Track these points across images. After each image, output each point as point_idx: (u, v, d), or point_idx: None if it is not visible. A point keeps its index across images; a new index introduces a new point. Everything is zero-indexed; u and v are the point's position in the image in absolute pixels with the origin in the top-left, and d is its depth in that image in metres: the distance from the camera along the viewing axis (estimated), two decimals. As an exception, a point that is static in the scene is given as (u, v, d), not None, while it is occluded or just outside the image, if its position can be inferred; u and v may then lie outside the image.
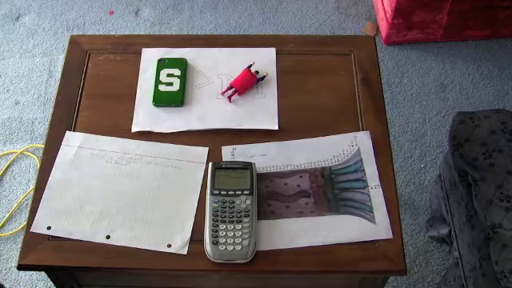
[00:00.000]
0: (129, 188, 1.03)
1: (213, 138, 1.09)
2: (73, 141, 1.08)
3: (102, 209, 1.00)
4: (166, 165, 1.05)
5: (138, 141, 1.07)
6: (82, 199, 1.01)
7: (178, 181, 1.03)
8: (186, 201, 1.01)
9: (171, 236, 0.98)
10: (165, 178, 1.03)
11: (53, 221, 0.99)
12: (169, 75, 1.16)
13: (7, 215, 1.78)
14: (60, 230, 0.98)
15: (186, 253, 0.95)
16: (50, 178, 1.04)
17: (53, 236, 0.98)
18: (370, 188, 1.02)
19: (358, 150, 1.06)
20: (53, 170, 1.04)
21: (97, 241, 0.97)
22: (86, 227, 0.98)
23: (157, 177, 1.04)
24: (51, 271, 1.02)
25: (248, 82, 1.14)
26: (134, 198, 1.01)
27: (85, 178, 1.04)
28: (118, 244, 0.97)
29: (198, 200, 1.01)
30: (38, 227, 0.98)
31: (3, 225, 1.78)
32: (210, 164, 1.02)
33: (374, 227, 0.98)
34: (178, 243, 0.97)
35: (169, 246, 0.97)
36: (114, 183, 1.03)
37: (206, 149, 1.06)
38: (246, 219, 0.96)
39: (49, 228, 0.98)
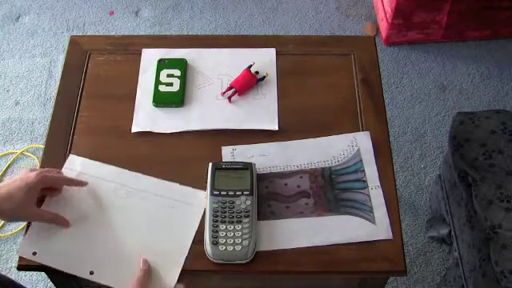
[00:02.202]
0: (120, 224, 0.99)
1: (213, 138, 1.09)
2: (75, 165, 1.05)
3: (90, 242, 0.97)
4: (164, 204, 1.01)
5: (139, 174, 1.04)
6: (72, 228, 0.98)
7: (172, 223, 0.99)
8: (176, 245, 0.97)
9: (155, 281, 0.94)
10: (159, 219, 1.00)
11: (40, 247, 0.96)
12: (169, 75, 1.16)
13: (7, 215, 1.78)
14: (45, 258, 0.95)
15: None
16: (45, 201, 1.00)
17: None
18: (370, 188, 1.02)
19: (358, 150, 1.06)
20: (45, 203, 1.00)
21: (80, 275, 0.94)
22: (71, 259, 0.95)
23: (151, 216, 1.00)
24: (51, 271, 1.02)
25: (248, 83, 1.14)
26: (124, 236, 0.98)
27: (80, 206, 1.00)
28: (101, 282, 0.94)
29: (189, 246, 0.96)
30: (24, 252, 0.96)
31: (3, 225, 1.78)
32: (210, 164, 1.02)
33: (374, 228, 0.98)
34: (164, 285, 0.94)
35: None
36: (106, 216, 1.00)
37: (203, 193, 1.01)
38: (246, 219, 0.96)
39: (34, 253, 0.96)
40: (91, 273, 0.93)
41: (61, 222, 0.97)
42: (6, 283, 1.11)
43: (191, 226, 0.98)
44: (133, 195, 1.02)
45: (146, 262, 0.93)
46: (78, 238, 0.97)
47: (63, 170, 1.04)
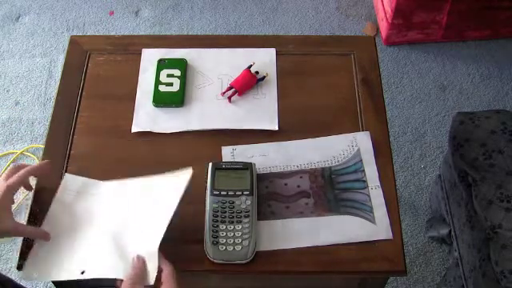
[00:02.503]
0: (102, 222, 0.98)
1: (213, 138, 1.09)
2: (71, 186, 1.02)
3: (75, 245, 0.96)
4: (147, 195, 0.98)
5: (134, 180, 1.00)
6: (67, 239, 0.96)
7: (152, 203, 0.96)
8: (155, 218, 0.93)
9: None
10: (139, 205, 0.98)
11: (39, 269, 0.95)
12: (169, 75, 1.16)
13: (7, 215, 1.78)
14: (44, 275, 0.95)
15: (152, 283, 0.88)
16: (43, 224, 0.98)
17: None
18: (369, 188, 1.02)
19: (358, 150, 1.06)
20: (45, 220, 0.98)
21: (73, 278, 0.92)
22: (60, 266, 0.94)
23: (131, 205, 0.98)
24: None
25: (248, 83, 1.14)
26: (107, 229, 0.96)
27: (76, 225, 0.98)
28: (95, 277, 0.92)
29: (170, 218, 0.91)
30: (28, 277, 0.95)
31: (3, 225, 1.77)
32: (210, 164, 1.02)
33: (374, 227, 0.98)
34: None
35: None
36: (89, 221, 0.98)
37: (189, 172, 0.94)
38: (246, 220, 0.96)
39: (36, 276, 0.96)
40: (82, 272, 0.92)
41: (42, 236, 0.96)
42: (5, 283, 1.11)
43: (173, 197, 0.93)
44: (119, 200, 1.00)
45: (139, 259, 0.90)
46: (62, 246, 0.96)
47: (58, 191, 1.01)
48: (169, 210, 0.91)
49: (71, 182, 1.03)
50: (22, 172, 0.96)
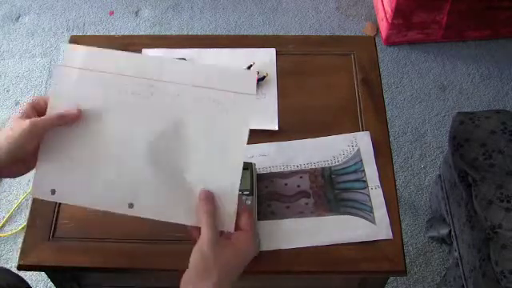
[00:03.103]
0: (152, 135, 0.76)
1: (213, 139, 1.09)
2: (73, 59, 0.78)
3: (121, 167, 0.76)
4: (202, 97, 0.75)
5: (162, 58, 0.78)
6: (91, 151, 0.77)
7: (218, 123, 0.76)
8: (228, 152, 0.76)
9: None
10: (201, 119, 0.76)
11: (57, 182, 0.78)
12: (169, 75, 1.15)
13: (7, 215, 1.78)
14: (67, 195, 0.79)
15: (232, 230, 0.78)
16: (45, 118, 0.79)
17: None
18: (370, 188, 1.02)
19: (358, 150, 1.06)
20: (48, 108, 0.78)
21: (117, 211, 0.78)
22: (101, 192, 0.77)
23: (190, 117, 0.76)
24: (51, 271, 1.02)
25: (248, 83, 1.14)
26: (161, 152, 0.76)
27: (92, 119, 0.77)
28: (143, 216, 0.77)
29: (243, 151, 0.77)
30: (40, 191, 0.79)
31: (3, 225, 1.78)
32: (210, 164, 1.02)
33: (374, 227, 0.98)
34: (223, 216, 0.77)
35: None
36: (132, 127, 0.76)
37: (254, 73, 0.79)
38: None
39: (53, 192, 0.79)
40: (130, 205, 0.76)
41: (70, 118, 0.77)
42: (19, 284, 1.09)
43: (241, 124, 0.76)
44: (160, 90, 0.75)
45: (208, 198, 0.75)
46: (103, 163, 0.77)
47: (57, 70, 0.79)
48: (241, 127, 0.74)
49: (71, 54, 0.78)
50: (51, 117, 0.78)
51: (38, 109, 0.79)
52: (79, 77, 0.77)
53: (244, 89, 0.76)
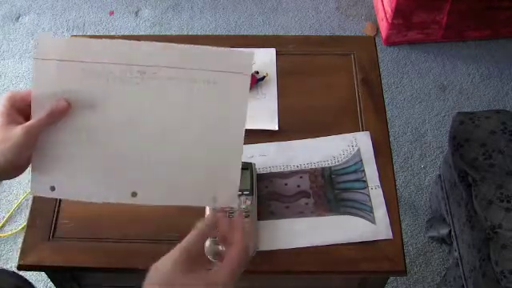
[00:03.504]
0: (146, 121, 0.74)
1: (213, 139, 1.09)
2: (51, 51, 0.72)
3: (118, 156, 0.74)
4: (196, 79, 0.73)
5: (150, 43, 0.73)
6: (86, 143, 0.75)
7: (214, 104, 0.74)
8: (227, 132, 0.75)
9: (216, 185, 0.76)
10: (196, 101, 0.73)
11: (55, 178, 0.75)
12: (169, 75, 1.15)
13: (7, 215, 1.78)
14: (67, 190, 0.76)
15: (237, 206, 0.79)
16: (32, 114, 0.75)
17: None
18: (369, 188, 1.02)
19: (358, 150, 1.06)
20: (33, 106, 0.74)
21: (120, 201, 0.76)
22: (101, 183, 0.75)
23: (184, 100, 0.73)
24: (51, 271, 1.02)
25: (248, 83, 1.14)
26: (158, 137, 0.74)
27: (83, 110, 0.74)
28: (148, 203, 0.75)
29: (243, 129, 0.75)
30: (39, 189, 0.76)
31: (3, 225, 1.78)
32: (210, 164, 1.02)
33: (374, 227, 0.98)
34: (226, 194, 0.76)
35: (214, 199, 0.76)
36: (125, 114, 0.74)
37: (252, 52, 0.74)
38: (246, 219, 0.96)
39: (53, 189, 0.76)
40: (134, 194, 0.74)
41: (60, 112, 0.74)
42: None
43: (239, 103, 0.74)
44: (151, 75, 0.73)
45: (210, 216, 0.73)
46: (100, 154, 0.75)
47: (34, 63, 0.73)
48: (239, 106, 0.73)
49: (47, 45, 0.72)
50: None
51: (17, 107, 0.75)
52: (61, 69, 0.72)
53: (239, 69, 0.73)
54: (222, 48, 0.74)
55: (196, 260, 0.71)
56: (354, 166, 1.04)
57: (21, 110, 0.75)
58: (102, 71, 0.72)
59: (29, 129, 0.73)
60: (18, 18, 2.29)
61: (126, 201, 0.74)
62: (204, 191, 0.76)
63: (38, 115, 0.74)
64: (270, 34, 2.18)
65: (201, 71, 0.73)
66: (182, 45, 0.73)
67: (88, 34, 2.21)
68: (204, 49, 0.73)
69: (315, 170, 1.05)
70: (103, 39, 0.73)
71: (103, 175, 0.76)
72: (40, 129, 0.73)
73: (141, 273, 1.00)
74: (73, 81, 0.73)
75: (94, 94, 0.73)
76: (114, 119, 0.74)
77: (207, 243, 0.77)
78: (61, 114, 0.74)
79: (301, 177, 1.04)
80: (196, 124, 0.75)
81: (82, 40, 0.76)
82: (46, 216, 1.00)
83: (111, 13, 2.29)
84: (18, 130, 0.72)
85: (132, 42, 0.72)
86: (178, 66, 0.73)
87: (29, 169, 0.79)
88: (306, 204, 1.01)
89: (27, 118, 0.75)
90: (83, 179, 0.76)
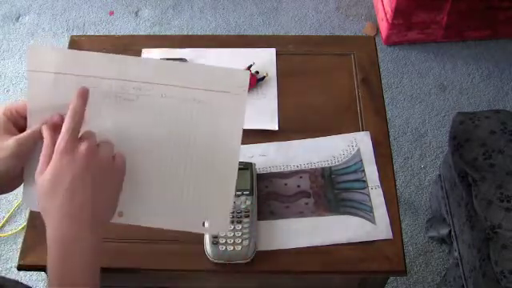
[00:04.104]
0: (138, 140, 0.73)
1: (213, 139, 1.09)
2: (46, 63, 0.71)
3: None
4: (190, 99, 0.71)
5: (144, 59, 0.74)
6: None
7: (208, 124, 0.72)
8: (221, 155, 0.73)
9: (206, 209, 0.74)
10: (189, 121, 0.72)
11: None
12: (169, 75, 1.15)
13: (7, 215, 1.78)
14: None
15: (228, 231, 0.79)
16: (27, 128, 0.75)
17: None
18: (369, 188, 1.02)
19: (358, 150, 1.06)
20: (28, 118, 0.74)
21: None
22: None
23: (177, 119, 0.72)
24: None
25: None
26: (149, 156, 0.73)
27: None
28: (135, 224, 0.74)
29: (238, 152, 0.73)
30: (30, 203, 0.76)
31: (3, 225, 1.78)
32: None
33: (374, 227, 0.98)
34: (217, 221, 0.74)
35: (204, 225, 0.75)
36: (116, 132, 0.73)
37: (247, 72, 0.73)
38: (246, 219, 0.96)
39: None
40: (120, 214, 0.73)
41: (54, 126, 0.73)
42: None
43: (234, 122, 0.72)
44: (145, 92, 0.72)
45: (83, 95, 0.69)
46: None
47: (29, 75, 0.73)
48: (233, 128, 0.71)
49: (44, 57, 0.71)
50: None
51: (13, 120, 0.75)
52: (56, 82, 0.72)
53: (234, 89, 0.72)
54: (218, 66, 0.73)
55: None
56: (354, 166, 1.04)
57: (16, 122, 0.76)
58: (98, 86, 0.72)
59: (21, 140, 0.73)
60: (18, 18, 2.29)
61: (113, 220, 0.73)
62: (194, 216, 0.74)
63: (30, 126, 0.74)
64: (270, 33, 2.18)
65: (196, 90, 0.72)
66: (179, 62, 0.72)
67: (88, 34, 2.21)
68: (200, 67, 0.72)
69: (315, 170, 1.05)
70: (99, 53, 0.72)
71: None
72: (33, 141, 0.74)
73: (140, 273, 1.00)
74: (68, 94, 0.71)
75: (89, 109, 0.71)
76: (105, 135, 0.72)
77: None
78: (54, 127, 0.73)
79: (301, 177, 1.04)
80: (189, 145, 0.73)
81: (78, 52, 0.74)
82: (45, 216, 0.99)
83: (111, 13, 2.29)
84: (11, 142, 0.73)
85: (128, 57, 0.71)
86: (173, 84, 0.72)
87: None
88: (306, 204, 1.01)
89: (22, 130, 0.75)
90: None
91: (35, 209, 0.73)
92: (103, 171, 0.70)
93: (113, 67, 0.71)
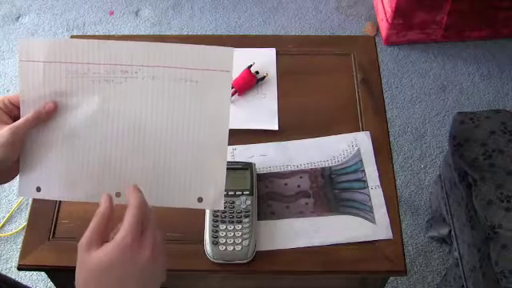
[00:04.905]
0: (131, 121, 0.75)
1: (213, 139, 1.09)
2: (35, 53, 0.74)
3: (102, 156, 0.75)
4: (177, 78, 0.74)
5: (131, 43, 0.75)
6: (71, 144, 0.76)
7: (197, 103, 0.75)
8: (211, 131, 0.75)
9: (201, 186, 0.75)
10: (178, 100, 0.74)
11: (41, 179, 0.76)
12: (169, 75, 1.15)
13: (7, 215, 1.78)
14: (52, 191, 0.77)
15: (222, 208, 0.78)
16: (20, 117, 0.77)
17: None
18: (369, 188, 1.02)
19: (358, 150, 1.06)
20: (21, 107, 0.76)
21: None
22: (88, 185, 0.76)
23: (167, 99, 0.74)
24: (51, 271, 1.02)
25: (248, 83, 1.14)
26: (142, 137, 0.75)
27: (68, 111, 0.75)
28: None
29: (227, 128, 0.76)
30: (25, 191, 0.77)
31: (3, 225, 1.78)
32: (210, 164, 1.02)
33: (374, 227, 0.98)
34: (211, 195, 0.75)
35: (200, 200, 0.76)
36: (109, 116, 0.75)
37: (232, 49, 0.74)
38: (246, 219, 0.96)
39: (38, 189, 0.77)
40: (118, 195, 0.74)
41: (47, 113, 0.75)
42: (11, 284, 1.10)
43: (221, 100, 0.75)
44: (134, 74, 0.75)
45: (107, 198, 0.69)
46: (84, 155, 0.76)
47: (20, 65, 0.75)
48: (222, 104, 0.74)
49: (32, 48, 0.74)
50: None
51: (6, 110, 0.77)
52: (46, 70, 0.74)
53: (220, 66, 0.74)
54: (202, 46, 0.74)
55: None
56: (354, 166, 1.04)
57: (10, 112, 0.77)
58: (87, 72, 0.74)
59: (15, 129, 0.74)
60: (18, 18, 2.29)
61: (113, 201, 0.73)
62: (189, 192, 0.75)
63: (24, 115, 0.76)
64: (270, 33, 2.18)
65: (182, 70, 0.74)
66: (163, 43, 0.74)
67: (88, 33, 2.21)
68: (185, 47, 0.74)
69: (315, 170, 1.05)
70: (86, 40, 0.75)
71: (88, 175, 0.76)
72: (26, 129, 0.75)
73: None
74: (58, 82, 0.74)
75: (79, 95, 0.75)
76: (99, 119, 0.75)
77: None
78: (47, 114, 0.76)
79: (301, 177, 1.04)
80: (179, 123, 0.75)
81: (65, 41, 0.76)
82: (45, 216, 1.00)
83: (111, 13, 2.29)
84: (5, 130, 0.74)
85: (114, 41, 0.74)
86: (159, 64, 0.74)
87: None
88: (306, 204, 1.01)
89: (17, 120, 0.76)
90: (68, 179, 0.77)
91: (29, 196, 0.76)
92: (154, 277, 0.69)
93: (100, 53, 0.74)
